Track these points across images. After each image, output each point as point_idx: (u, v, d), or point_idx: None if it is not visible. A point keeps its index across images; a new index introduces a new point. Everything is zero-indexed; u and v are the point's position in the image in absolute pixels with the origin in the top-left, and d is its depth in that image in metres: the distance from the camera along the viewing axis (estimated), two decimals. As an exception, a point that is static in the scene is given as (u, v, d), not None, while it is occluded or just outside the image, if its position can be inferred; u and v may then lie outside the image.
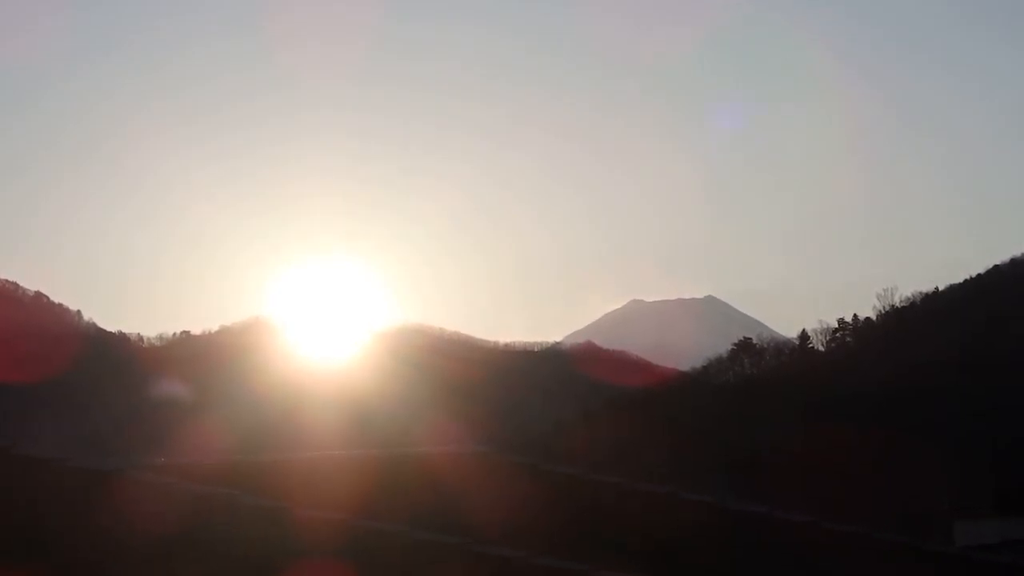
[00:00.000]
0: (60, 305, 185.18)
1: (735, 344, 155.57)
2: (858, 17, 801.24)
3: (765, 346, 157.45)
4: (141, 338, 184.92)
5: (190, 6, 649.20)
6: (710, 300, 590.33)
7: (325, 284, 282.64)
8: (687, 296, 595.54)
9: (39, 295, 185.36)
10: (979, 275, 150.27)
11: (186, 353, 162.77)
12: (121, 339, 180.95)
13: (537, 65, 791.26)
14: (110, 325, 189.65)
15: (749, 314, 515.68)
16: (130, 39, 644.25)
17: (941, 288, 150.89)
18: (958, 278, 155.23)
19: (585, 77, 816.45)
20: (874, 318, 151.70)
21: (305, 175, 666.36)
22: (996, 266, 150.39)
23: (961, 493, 63.07)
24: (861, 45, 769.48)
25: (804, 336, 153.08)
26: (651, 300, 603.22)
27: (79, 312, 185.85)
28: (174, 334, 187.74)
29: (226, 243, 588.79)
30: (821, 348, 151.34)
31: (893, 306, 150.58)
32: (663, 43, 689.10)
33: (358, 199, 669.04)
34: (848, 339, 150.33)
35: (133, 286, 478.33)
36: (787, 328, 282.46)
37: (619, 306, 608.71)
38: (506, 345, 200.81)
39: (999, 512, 52.90)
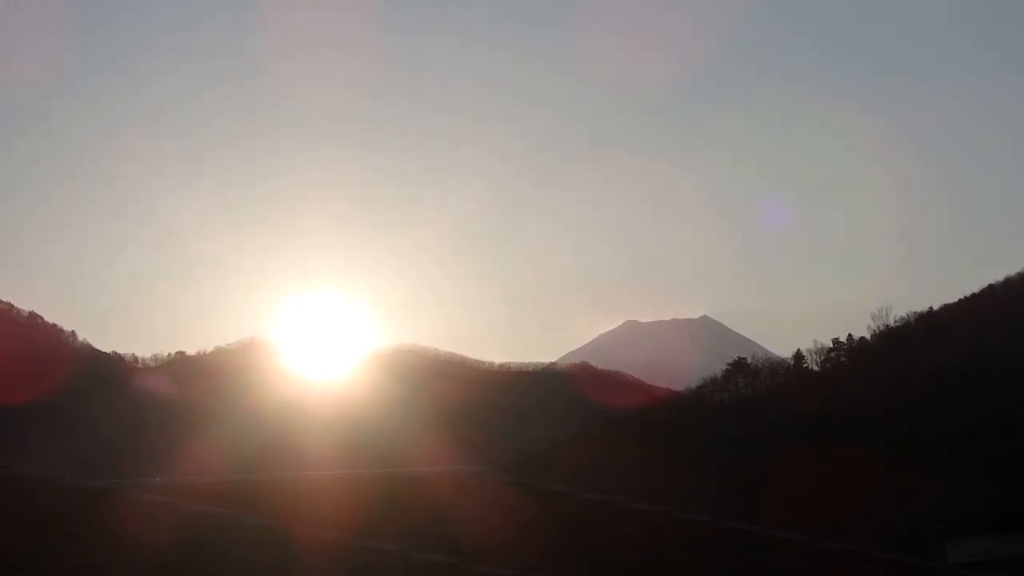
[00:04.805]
0: (55, 326, 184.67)
1: (730, 364, 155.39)
2: (844, 22, 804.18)
3: (760, 366, 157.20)
4: (136, 359, 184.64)
5: (190, 24, 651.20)
6: (705, 320, 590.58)
7: (321, 305, 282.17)
8: (682, 316, 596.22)
9: (34, 316, 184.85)
10: (973, 295, 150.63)
11: (181, 374, 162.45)
12: (116, 360, 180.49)
13: (535, 87, 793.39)
14: (105, 346, 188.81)
15: (744, 334, 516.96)
16: (125, 58, 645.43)
17: (936, 308, 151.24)
18: (953, 297, 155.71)
19: (582, 101, 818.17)
20: (869, 338, 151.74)
21: (302, 198, 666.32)
22: (990, 285, 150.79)
23: (955, 511, 63.11)
24: (852, 58, 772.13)
25: (799, 356, 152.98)
26: (646, 321, 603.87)
27: (74, 333, 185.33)
28: (169, 355, 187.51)
29: (222, 265, 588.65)
30: (816, 368, 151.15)
31: (888, 326, 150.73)
32: (657, 69, 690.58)
33: (354, 221, 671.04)
34: (843, 359, 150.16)
35: (128, 307, 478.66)
36: (782, 348, 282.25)
37: (614, 326, 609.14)
38: (501, 366, 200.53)
39: (992, 530, 52.93)
